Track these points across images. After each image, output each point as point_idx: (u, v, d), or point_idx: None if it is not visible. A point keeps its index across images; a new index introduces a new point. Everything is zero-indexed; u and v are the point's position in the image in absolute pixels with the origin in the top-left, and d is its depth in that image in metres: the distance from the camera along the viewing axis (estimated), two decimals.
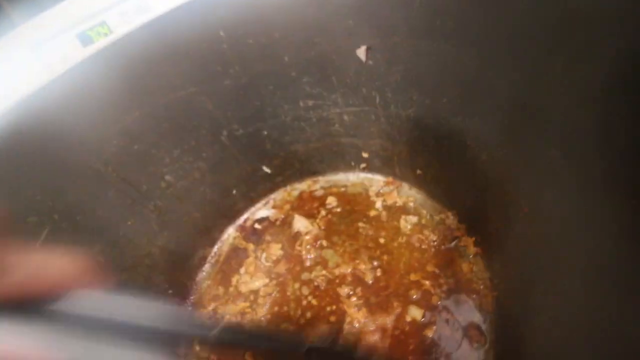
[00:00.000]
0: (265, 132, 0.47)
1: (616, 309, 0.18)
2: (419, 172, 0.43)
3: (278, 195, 0.52)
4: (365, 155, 0.47)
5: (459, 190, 0.38)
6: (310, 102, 0.44)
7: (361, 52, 0.37)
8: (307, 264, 0.43)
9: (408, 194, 0.45)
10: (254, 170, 0.50)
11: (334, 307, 0.38)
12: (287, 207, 0.51)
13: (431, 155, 0.39)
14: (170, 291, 0.43)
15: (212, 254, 0.49)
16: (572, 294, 0.21)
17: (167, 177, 0.44)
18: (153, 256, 0.42)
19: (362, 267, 0.40)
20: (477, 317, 0.33)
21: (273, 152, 0.49)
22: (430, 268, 0.38)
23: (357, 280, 0.39)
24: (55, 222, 0.33)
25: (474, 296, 0.35)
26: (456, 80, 0.30)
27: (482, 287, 0.35)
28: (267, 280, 0.43)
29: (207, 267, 0.47)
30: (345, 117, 0.44)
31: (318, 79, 0.42)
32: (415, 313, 0.35)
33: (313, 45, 0.39)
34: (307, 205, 0.50)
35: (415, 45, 0.32)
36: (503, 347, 0.30)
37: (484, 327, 0.32)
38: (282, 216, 0.50)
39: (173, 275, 0.44)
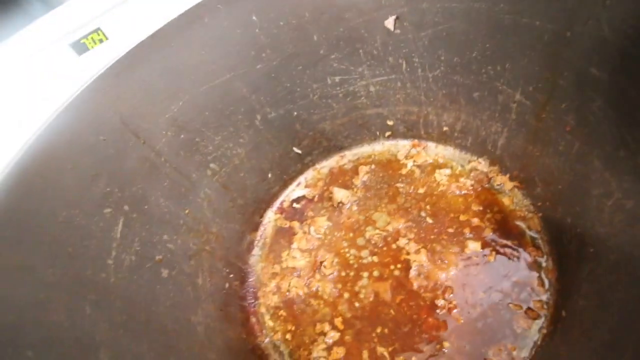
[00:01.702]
0: (295, 113, 0.49)
1: None
2: (445, 129, 0.47)
3: (308, 175, 0.54)
4: (390, 123, 0.51)
5: (490, 136, 0.43)
6: (337, 78, 0.47)
7: (389, 23, 0.41)
8: (359, 228, 0.45)
9: (435, 152, 0.49)
10: (286, 152, 0.52)
11: (396, 259, 0.41)
12: (321, 183, 0.53)
13: (459, 110, 0.43)
14: (231, 275, 0.43)
15: (258, 237, 0.49)
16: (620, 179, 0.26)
17: (212, 165, 0.44)
18: (211, 243, 0.42)
19: (412, 218, 0.44)
20: (529, 237, 0.38)
21: (302, 133, 0.51)
22: (475, 207, 0.42)
23: (410, 231, 0.43)
24: (126, 213, 0.33)
25: (521, 222, 0.40)
26: (486, 34, 0.35)
27: (526, 212, 0.40)
28: (323, 251, 0.45)
29: (256, 250, 0.48)
30: (372, 89, 0.47)
31: (346, 54, 0.45)
32: (473, 246, 0.39)
33: (342, 21, 0.42)
34: (341, 179, 0.53)
35: (445, 7, 0.36)
36: (560, 252, 0.35)
37: (538, 242, 0.37)
38: (318, 192, 0.52)
39: (229, 261, 0.44)
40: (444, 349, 0.34)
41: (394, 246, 0.42)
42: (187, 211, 0.40)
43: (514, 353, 0.31)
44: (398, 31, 0.42)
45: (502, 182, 0.43)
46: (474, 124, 0.44)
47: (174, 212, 0.38)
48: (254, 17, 0.41)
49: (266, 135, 0.49)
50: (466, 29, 0.37)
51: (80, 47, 0.59)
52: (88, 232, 0.28)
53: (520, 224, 0.39)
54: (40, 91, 0.59)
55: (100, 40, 0.58)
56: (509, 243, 0.38)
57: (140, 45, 0.37)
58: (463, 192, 0.44)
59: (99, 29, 0.58)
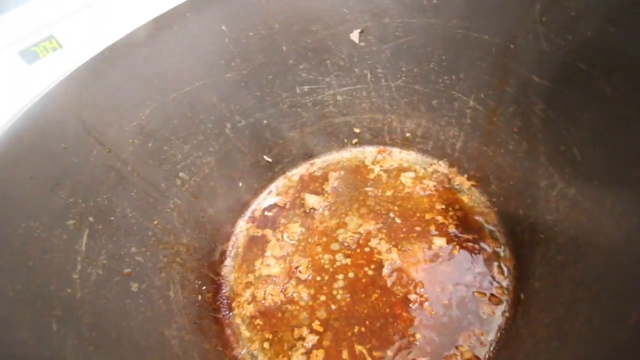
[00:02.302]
0: (265, 122, 0.50)
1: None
2: (407, 135, 0.50)
3: (279, 183, 0.55)
4: (357, 130, 0.53)
5: (448, 140, 0.46)
6: (306, 88, 0.48)
7: (354, 36, 0.43)
8: (331, 232, 0.46)
9: (400, 157, 0.52)
10: (256, 161, 0.52)
11: (369, 260, 0.42)
12: (292, 191, 0.54)
13: (420, 116, 0.47)
14: (204, 287, 0.41)
15: (230, 247, 0.48)
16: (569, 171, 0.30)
17: (181, 174, 0.43)
18: (181, 254, 0.40)
19: (382, 220, 0.46)
20: (487, 230, 0.42)
21: (272, 141, 0.52)
22: (438, 206, 0.45)
23: (381, 231, 0.44)
24: (91, 225, 0.31)
25: (480, 217, 0.43)
26: (442, 47, 0.39)
27: (483, 208, 0.43)
28: (297, 257, 0.45)
29: (228, 260, 0.47)
30: (339, 98, 0.49)
31: (314, 65, 0.46)
32: (439, 242, 0.41)
33: (310, 33, 0.44)
34: (311, 185, 0.53)
35: (405, 23, 0.39)
36: (515, 242, 0.39)
37: (496, 234, 0.41)
38: (289, 200, 0.53)
39: (201, 272, 0.43)
40: (416, 342, 0.35)
41: (366, 248, 0.43)
42: (155, 222, 0.38)
43: (482, 338, 0.34)
44: (363, 44, 0.45)
45: (461, 182, 0.46)
46: (434, 129, 0.47)
47: (142, 223, 0.36)
48: (223, 27, 0.42)
49: (236, 143, 0.49)
50: (424, 43, 0.40)
51: (31, 56, 0.54)
52: (50, 245, 0.26)
53: (479, 219, 0.43)
54: None
55: (54, 49, 0.55)
56: (470, 237, 0.41)
57: (106, 50, 0.36)
58: (427, 192, 0.47)
59: (52, 36, 0.54)
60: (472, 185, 0.45)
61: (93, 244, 0.30)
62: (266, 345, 0.38)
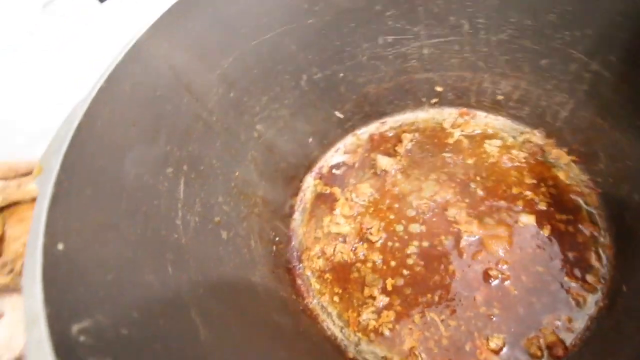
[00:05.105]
0: (341, 75, 0.47)
1: None
2: (499, 97, 0.45)
3: (348, 141, 0.53)
4: (439, 89, 0.48)
5: (551, 107, 0.41)
6: (390, 38, 0.44)
7: None
8: (405, 197, 0.45)
9: (485, 122, 0.47)
10: (327, 116, 0.50)
11: (446, 230, 0.41)
12: (360, 150, 0.52)
13: (520, 78, 0.41)
14: (277, 238, 0.43)
15: (298, 202, 0.49)
16: None
17: (258, 127, 0.42)
18: (258, 206, 0.42)
19: (461, 190, 0.43)
20: (585, 212, 0.38)
21: (346, 96, 0.49)
22: (528, 180, 0.41)
23: (460, 202, 0.42)
24: (186, 173, 0.32)
25: (578, 197, 0.39)
26: None
27: (583, 188, 0.39)
28: (368, 219, 0.44)
29: (297, 215, 0.48)
30: (425, 51, 0.44)
31: (403, 12, 0.41)
32: (527, 219, 0.39)
33: None
34: (382, 146, 0.51)
35: None
36: (620, 229, 0.35)
37: (596, 218, 0.37)
38: (359, 159, 0.51)
39: (274, 224, 0.44)
40: (493, 317, 0.35)
41: (443, 217, 0.42)
42: (237, 173, 0.39)
43: (570, 324, 0.32)
44: None
45: (558, 155, 0.41)
46: (535, 93, 0.41)
47: (226, 174, 0.37)
48: None
49: (310, 97, 0.47)
50: None
51: None
52: (156, 192, 0.27)
53: (577, 199, 0.39)
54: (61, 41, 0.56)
55: None
56: (564, 217, 0.38)
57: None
58: (515, 164, 0.43)
59: None
60: (572, 160, 0.40)
61: (189, 191, 0.31)
62: (336, 299, 0.40)
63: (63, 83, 0.52)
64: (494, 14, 0.39)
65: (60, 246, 0.18)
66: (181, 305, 0.21)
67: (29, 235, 0.18)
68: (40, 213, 0.18)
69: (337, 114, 0.51)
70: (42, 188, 0.22)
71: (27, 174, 0.41)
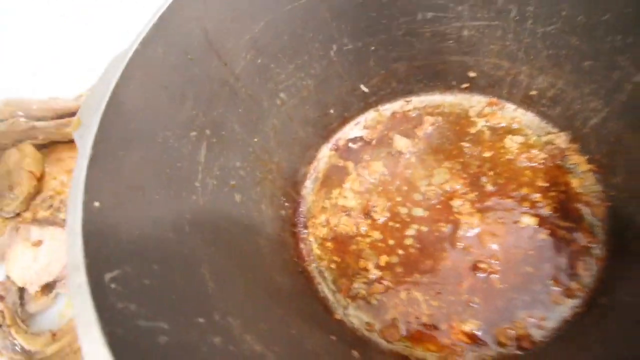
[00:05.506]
0: (373, 48, 0.45)
1: None
2: (533, 92, 0.43)
3: (369, 116, 0.53)
4: (472, 74, 0.46)
5: (583, 111, 0.39)
6: (430, 15, 0.41)
7: None
8: (415, 181, 0.46)
9: (512, 115, 0.46)
10: (353, 89, 0.50)
11: (447, 218, 0.42)
12: (380, 127, 0.52)
13: (559, 76, 0.39)
14: (286, 204, 0.46)
15: (312, 171, 0.51)
16: None
17: (282, 95, 0.43)
18: (273, 172, 0.44)
19: (471, 182, 0.44)
20: (588, 222, 0.38)
21: (374, 70, 0.48)
22: (540, 183, 0.41)
23: (468, 194, 0.43)
24: (208, 138, 0.34)
25: (585, 206, 0.39)
26: None
27: (593, 199, 0.39)
28: (375, 197, 0.46)
29: (308, 182, 0.50)
30: (465, 32, 0.42)
31: None
32: (529, 221, 0.39)
33: None
34: (402, 126, 0.51)
35: None
36: (617, 245, 0.35)
37: (597, 230, 0.38)
38: (377, 136, 0.51)
39: (286, 190, 0.47)
40: (472, 304, 0.37)
41: (447, 205, 0.43)
42: (256, 139, 0.41)
43: (542, 322, 0.35)
44: None
45: (578, 162, 0.41)
46: (571, 94, 0.40)
47: (246, 140, 0.39)
48: None
49: (338, 68, 0.46)
50: None
51: None
52: (180, 154, 0.30)
53: (583, 208, 0.39)
54: None
55: None
56: (566, 225, 0.38)
57: None
58: (532, 164, 0.43)
59: None
60: (591, 169, 0.40)
61: (210, 155, 0.33)
62: (333, 266, 0.43)
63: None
64: (546, 4, 0.36)
65: (97, 204, 0.21)
66: (194, 261, 0.25)
67: (70, 192, 0.21)
68: (80, 173, 0.21)
69: (363, 87, 0.50)
70: (81, 145, 0.25)
71: (64, 115, 0.44)
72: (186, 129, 0.31)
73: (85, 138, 0.24)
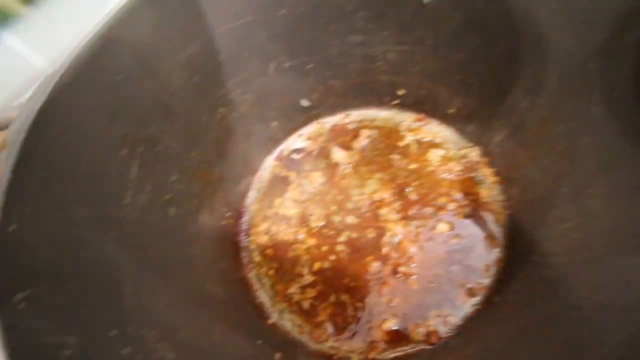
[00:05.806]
0: (310, 66, 0.48)
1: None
2: (451, 111, 0.48)
3: (312, 128, 0.56)
4: (400, 92, 0.51)
5: (490, 129, 0.44)
6: (359, 38, 0.45)
7: None
8: (349, 191, 0.49)
9: (436, 130, 0.51)
10: (293, 104, 0.52)
11: (374, 225, 0.46)
12: (322, 138, 0.55)
13: (470, 97, 0.44)
14: (228, 214, 0.48)
15: (255, 181, 0.53)
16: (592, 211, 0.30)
17: (221, 109, 0.45)
18: (213, 184, 0.46)
19: (397, 192, 0.48)
20: (492, 229, 0.44)
21: (314, 86, 0.51)
22: (455, 193, 0.46)
23: (394, 202, 0.47)
24: (141, 155, 0.35)
25: (491, 214, 0.45)
26: (524, 30, 0.34)
27: (497, 207, 0.45)
28: (313, 205, 0.49)
29: (252, 192, 0.52)
30: (390, 56, 0.46)
31: (373, 15, 0.42)
32: (443, 227, 0.44)
33: None
34: (341, 138, 0.55)
35: None
36: (512, 250, 0.41)
37: (497, 235, 0.43)
38: (318, 147, 0.55)
39: (228, 200, 0.49)
40: (392, 305, 0.42)
41: (375, 213, 0.47)
42: (194, 154, 0.42)
43: (448, 319, 0.40)
44: (433, 4, 0.40)
45: (487, 174, 0.46)
46: (480, 114, 0.45)
47: (183, 154, 0.40)
48: None
49: (277, 84, 0.49)
50: (503, 18, 0.35)
51: None
52: (107, 173, 0.31)
53: (489, 216, 0.44)
54: None
55: None
56: (474, 231, 0.44)
57: None
58: (449, 175, 0.48)
59: None
60: (497, 181, 0.45)
61: (142, 172, 0.34)
62: (271, 272, 0.46)
63: None
64: (454, 35, 0.40)
65: (13, 227, 0.22)
66: (117, 277, 0.26)
67: None
68: None
69: (303, 102, 0.53)
70: (5, 166, 0.26)
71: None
72: (115, 148, 0.32)
73: (8, 158, 0.25)
